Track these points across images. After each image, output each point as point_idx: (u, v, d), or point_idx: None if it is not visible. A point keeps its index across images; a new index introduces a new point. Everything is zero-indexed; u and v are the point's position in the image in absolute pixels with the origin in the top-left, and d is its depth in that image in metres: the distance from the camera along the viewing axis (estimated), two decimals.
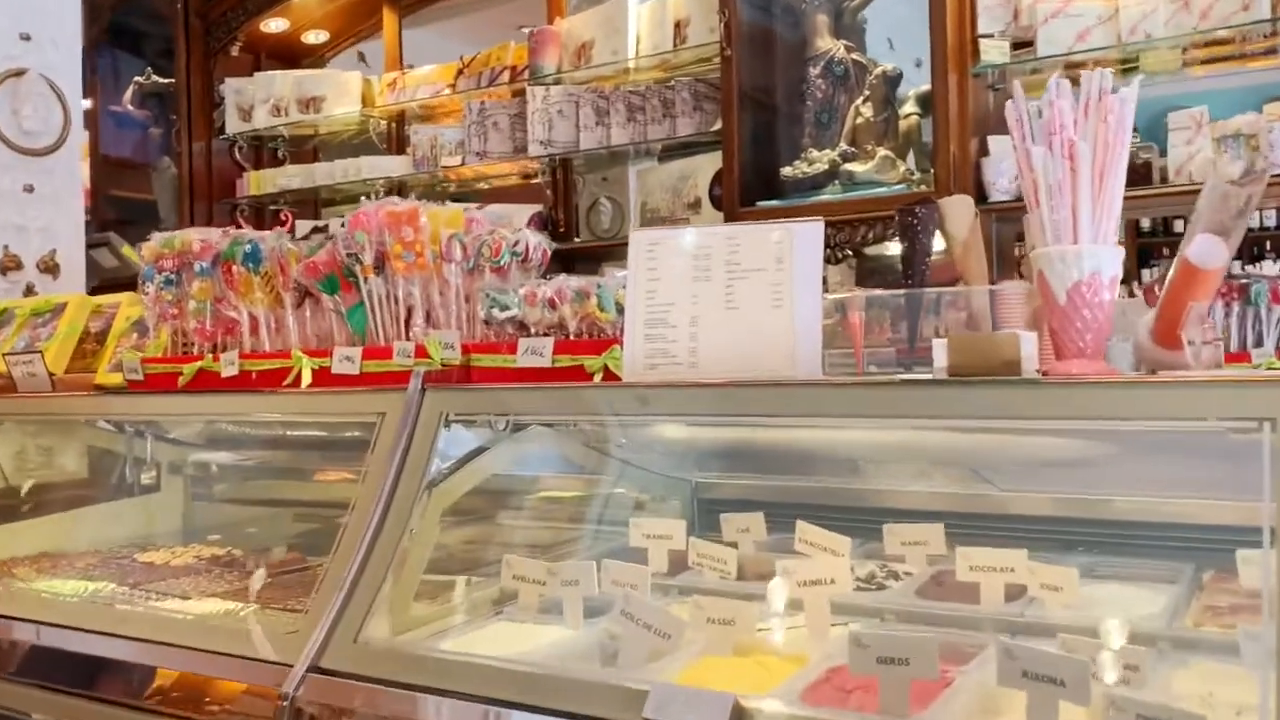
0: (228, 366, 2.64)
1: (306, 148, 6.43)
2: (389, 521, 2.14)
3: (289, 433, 3.44)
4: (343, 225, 2.51)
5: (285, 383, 2.58)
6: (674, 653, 1.98)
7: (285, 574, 3.06)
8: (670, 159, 5.08)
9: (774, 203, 4.32)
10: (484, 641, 2.20)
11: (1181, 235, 1.78)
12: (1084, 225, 1.69)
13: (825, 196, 4.20)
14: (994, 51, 3.96)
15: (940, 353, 1.72)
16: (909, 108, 4.42)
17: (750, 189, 4.44)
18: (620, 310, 2.12)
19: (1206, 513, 2.43)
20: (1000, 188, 4.02)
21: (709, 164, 4.74)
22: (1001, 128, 4.37)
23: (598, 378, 2.15)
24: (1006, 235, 4.22)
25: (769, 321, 2.05)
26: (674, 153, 5.07)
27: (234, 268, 2.68)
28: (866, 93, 4.33)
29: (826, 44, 4.40)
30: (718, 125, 4.66)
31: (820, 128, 4.40)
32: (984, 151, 4.16)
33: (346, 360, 2.49)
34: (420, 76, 5.74)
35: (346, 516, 2.22)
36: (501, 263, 2.41)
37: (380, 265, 2.49)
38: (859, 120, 4.32)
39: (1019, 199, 4.21)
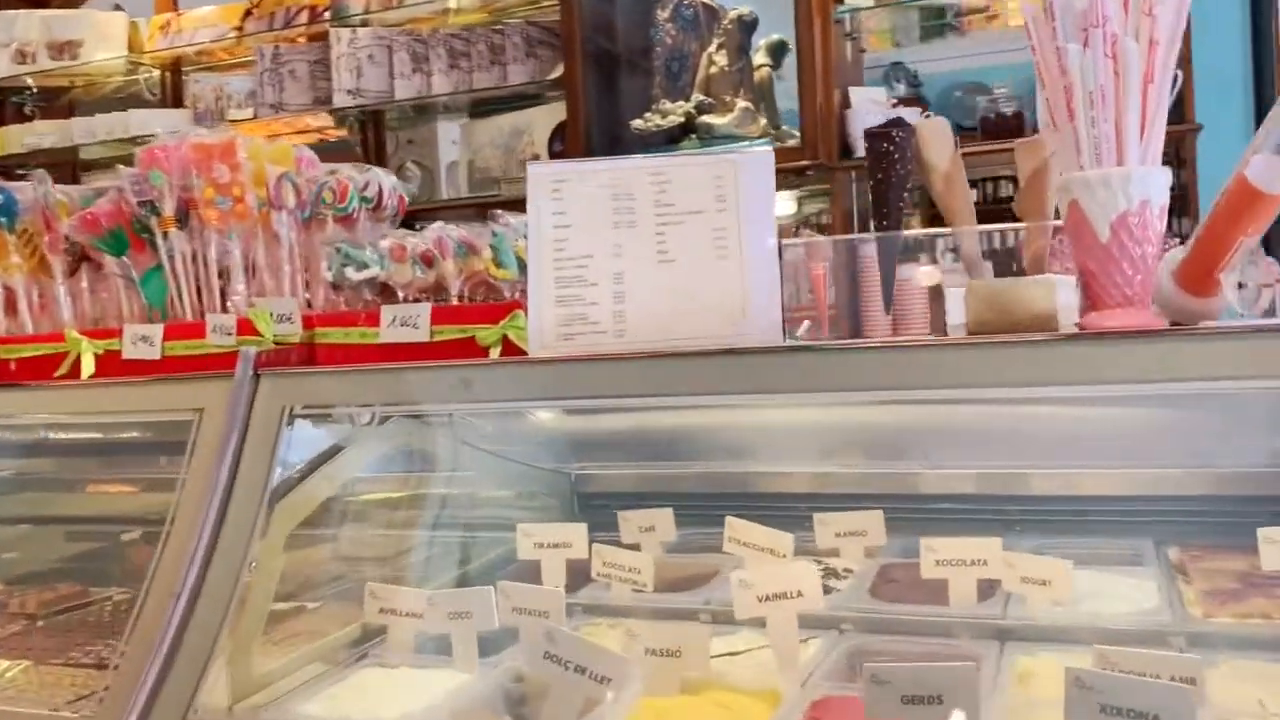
0: None
1: (61, 102, 5.51)
2: (222, 548, 1.60)
3: (55, 435, 2.77)
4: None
5: (58, 374, 1.96)
6: (608, 699, 1.55)
7: (63, 612, 2.43)
8: (494, 112, 4.58)
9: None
10: (353, 698, 1.70)
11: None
12: (1130, 143, 1.36)
13: (683, 151, 3.82)
14: None
15: (957, 305, 1.36)
16: (760, 58, 4.10)
17: (595, 144, 4.01)
18: (524, 267, 1.65)
19: (1157, 483, 2.22)
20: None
21: (546, 116, 4.28)
22: (858, 80, 4.13)
23: (495, 352, 1.68)
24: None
25: (713, 275, 1.64)
26: (497, 105, 4.57)
27: None
28: (720, 40, 3.97)
29: None
30: (555, 73, 4.21)
31: (670, 78, 4.02)
32: (846, 104, 3.89)
33: (142, 341, 1.90)
34: (199, 18, 4.98)
35: (160, 544, 1.67)
36: (349, 210, 1.89)
37: (185, 216, 1.91)
38: (712, 69, 3.96)
39: None
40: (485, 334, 1.67)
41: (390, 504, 2.29)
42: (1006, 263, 1.60)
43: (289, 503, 1.70)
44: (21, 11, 5.19)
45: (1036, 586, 1.80)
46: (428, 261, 1.73)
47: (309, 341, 1.81)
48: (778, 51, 4.10)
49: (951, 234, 1.58)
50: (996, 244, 1.66)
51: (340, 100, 4.51)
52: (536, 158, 4.28)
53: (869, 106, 3.83)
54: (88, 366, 1.93)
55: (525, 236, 1.70)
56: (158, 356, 1.89)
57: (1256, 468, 2.13)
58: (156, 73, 5.23)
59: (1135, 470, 2.23)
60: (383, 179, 1.92)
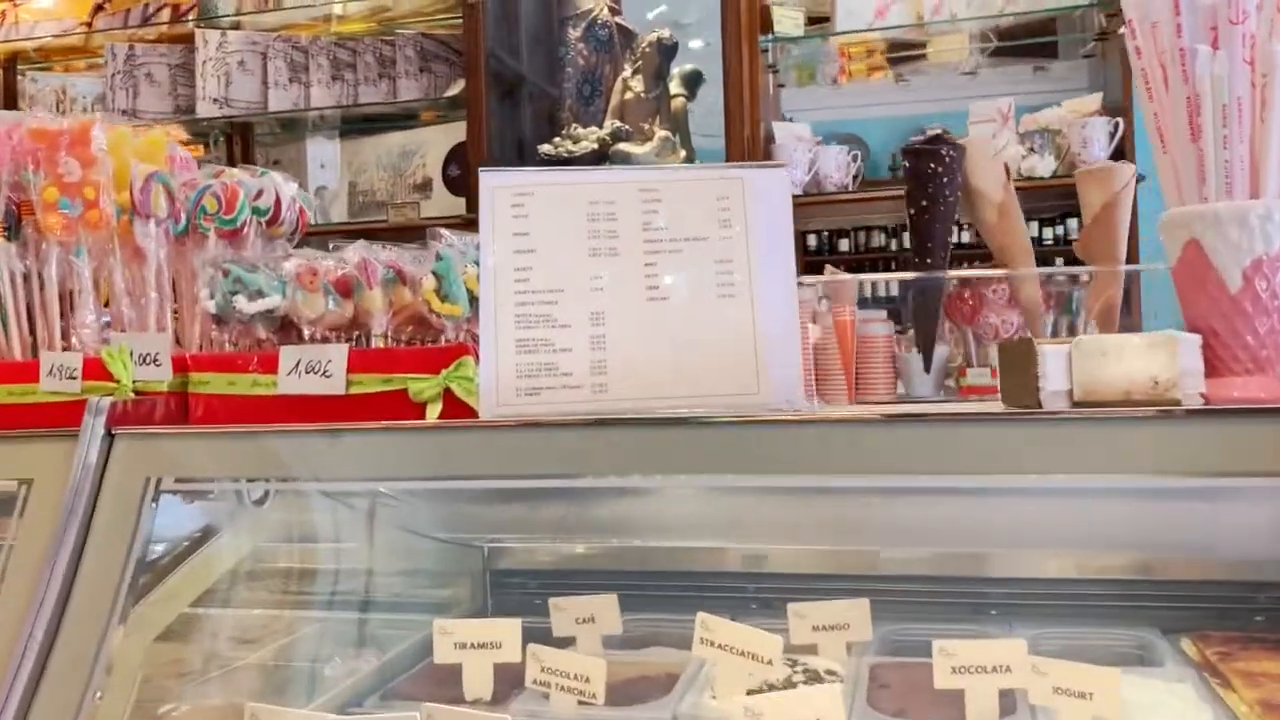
0: None
1: None
2: (54, 672, 1.16)
3: None
4: None
5: None
6: None
7: None
8: (376, 131, 4.16)
9: None
10: None
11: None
12: (1272, 171, 1.09)
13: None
14: (788, 22, 3.44)
15: (1058, 369, 1.06)
16: (674, 88, 3.82)
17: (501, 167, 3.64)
18: (475, 302, 1.28)
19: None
20: (793, 179, 3.52)
21: (440, 137, 3.88)
22: (779, 114, 3.90)
23: (433, 411, 1.30)
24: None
25: (717, 319, 1.30)
26: (380, 123, 4.16)
27: None
28: (635, 64, 3.67)
29: (587, 1, 3.71)
30: (452, 90, 3.82)
31: (582, 101, 3.69)
32: (770, 139, 3.64)
33: None
34: (41, 10, 4.39)
35: None
36: (237, 223, 1.48)
37: (15, 222, 1.47)
38: (628, 95, 3.65)
39: (809, 194, 3.76)
40: (421, 386, 1.29)
41: (274, 594, 1.86)
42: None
43: (148, 609, 1.27)
44: None
45: (1075, 700, 1.51)
46: (344, 291, 1.34)
47: (180, 390, 1.39)
48: (693, 81, 3.83)
49: (1007, 276, 1.30)
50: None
51: (205, 110, 4.01)
52: (429, 182, 3.88)
53: (794, 143, 3.59)
54: None
55: (476, 263, 1.34)
56: None
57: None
58: None
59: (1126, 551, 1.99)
60: (281, 186, 1.52)
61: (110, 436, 1.25)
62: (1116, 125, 3.06)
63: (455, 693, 1.70)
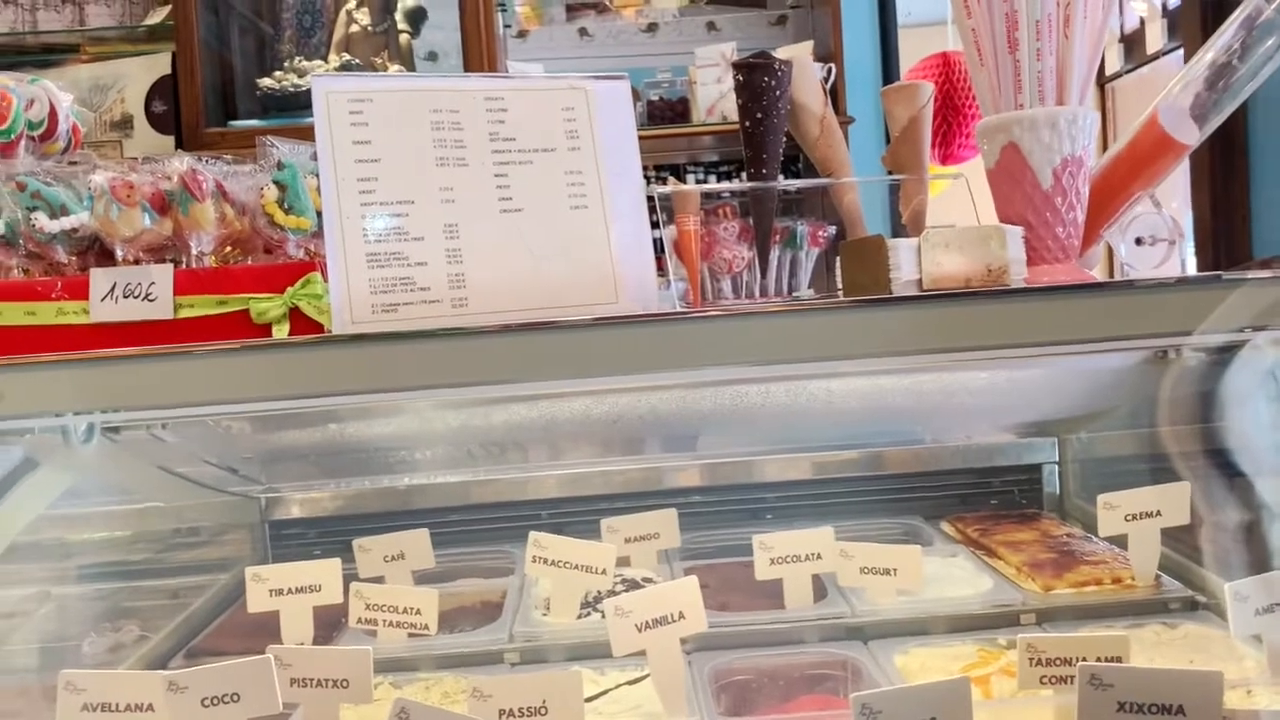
0: None
1: None
2: None
3: None
4: None
5: None
6: None
7: None
8: (56, 63, 3.71)
9: (255, 122, 3.31)
10: None
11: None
12: (1074, 82, 1.24)
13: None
14: None
15: (909, 260, 1.16)
16: (400, 23, 3.70)
17: (209, 104, 3.37)
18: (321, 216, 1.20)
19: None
20: None
21: (140, 70, 3.52)
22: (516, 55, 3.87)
23: (280, 332, 1.21)
24: None
25: (571, 228, 1.30)
26: (60, 54, 3.71)
27: None
28: None
29: None
30: (151, 19, 3.48)
31: (303, 33, 3.48)
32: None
33: None
34: None
35: None
36: (11, 135, 1.29)
37: None
38: (353, 28, 3.49)
39: None
40: (265, 305, 1.19)
41: (39, 560, 1.65)
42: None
43: None
44: None
45: (881, 577, 1.66)
46: (160, 207, 1.21)
47: None
48: (416, 18, 3.73)
49: (830, 184, 1.39)
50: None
51: None
52: (129, 119, 3.51)
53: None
54: None
55: (315, 174, 1.25)
56: None
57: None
58: None
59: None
60: (56, 95, 1.34)
61: None
62: (830, 70, 3.28)
63: (272, 642, 1.61)
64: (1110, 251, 1.37)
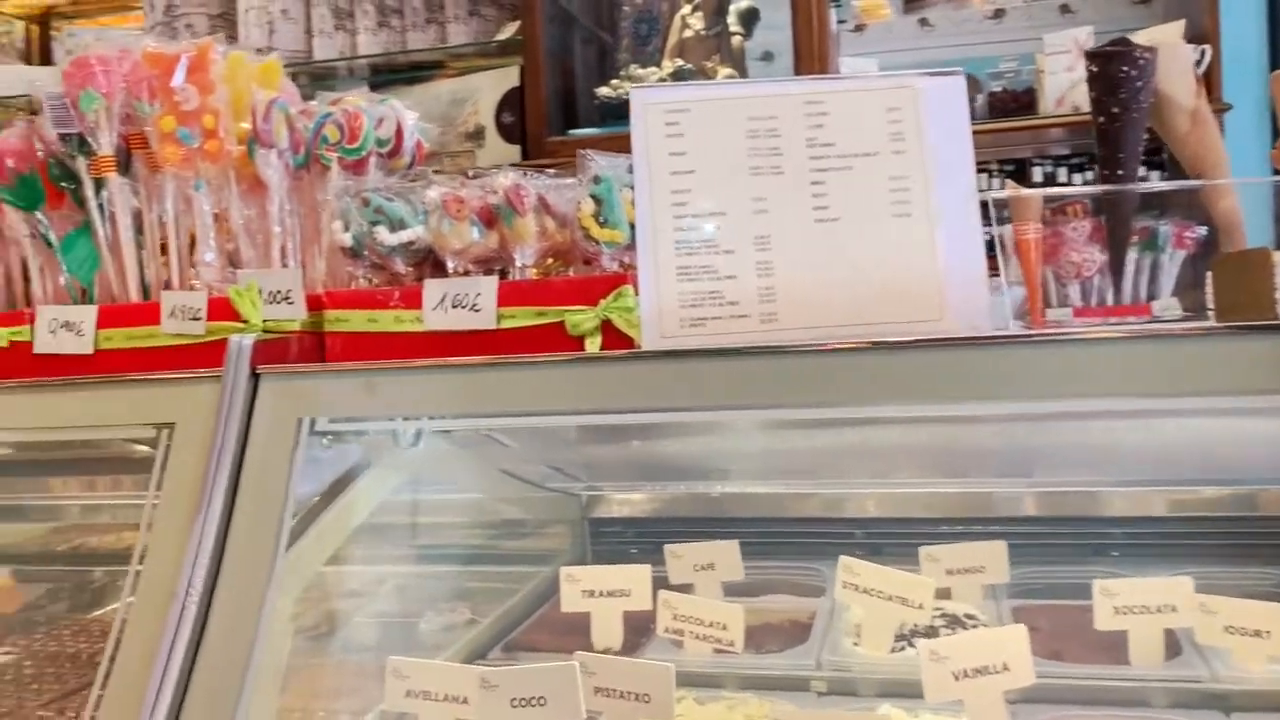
0: None
1: None
2: (218, 625, 1.09)
3: None
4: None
5: None
6: None
7: None
8: (422, 79, 4.04)
9: (593, 130, 3.45)
10: None
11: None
12: None
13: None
14: None
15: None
16: (732, 25, 3.71)
17: (552, 114, 3.54)
18: (634, 228, 1.19)
19: None
20: None
21: (491, 84, 3.77)
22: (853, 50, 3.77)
23: (593, 345, 1.22)
24: None
25: (894, 241, 1.21)
26: (422, 72, 4.03)
27: None
28: (695, 1, 3.56)
29: None
30: (503, 34, 3.71)
31: (639, 41, 3.58)
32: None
33: (65, 329, 1.37)
34: None
35: (120, 604, 1.15)
36: (361, 152, 1.39)
37: (127, 157, 1.39)
38: (687, 33, 3.54)
39: None
40: (579, 318, 1.21)
41: (382, 546, 1.79)
42: None
43: (300, 551, 1.20)
44: None
45: (1249, 639, 1.44)
46: (488, 220, 1.25)
47: (314, 329, 1.31)
48: (749, 19, 3.72)
49: (1202, 187, 1.21)
50: None
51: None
52: (481, 130, 3.77)
53: None
54: None
55: (630, 187, 1.25)
56: (88, 350, 1.36)
57: None
58: (21, 26, 4.49)
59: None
60: (402, 114, 1.43)
61: (255, 376, 1.17)
62: (1204, 53, 2.92)
63: (582, 642, 1.64)
64: None
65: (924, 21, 4.11)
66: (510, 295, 1.24)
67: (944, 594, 1.71)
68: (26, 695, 1.74)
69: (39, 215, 1.43)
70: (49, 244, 1.43)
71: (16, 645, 1.99)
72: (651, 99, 1.25)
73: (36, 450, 1.66)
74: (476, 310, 1.24)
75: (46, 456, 1.83)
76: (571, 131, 3.49)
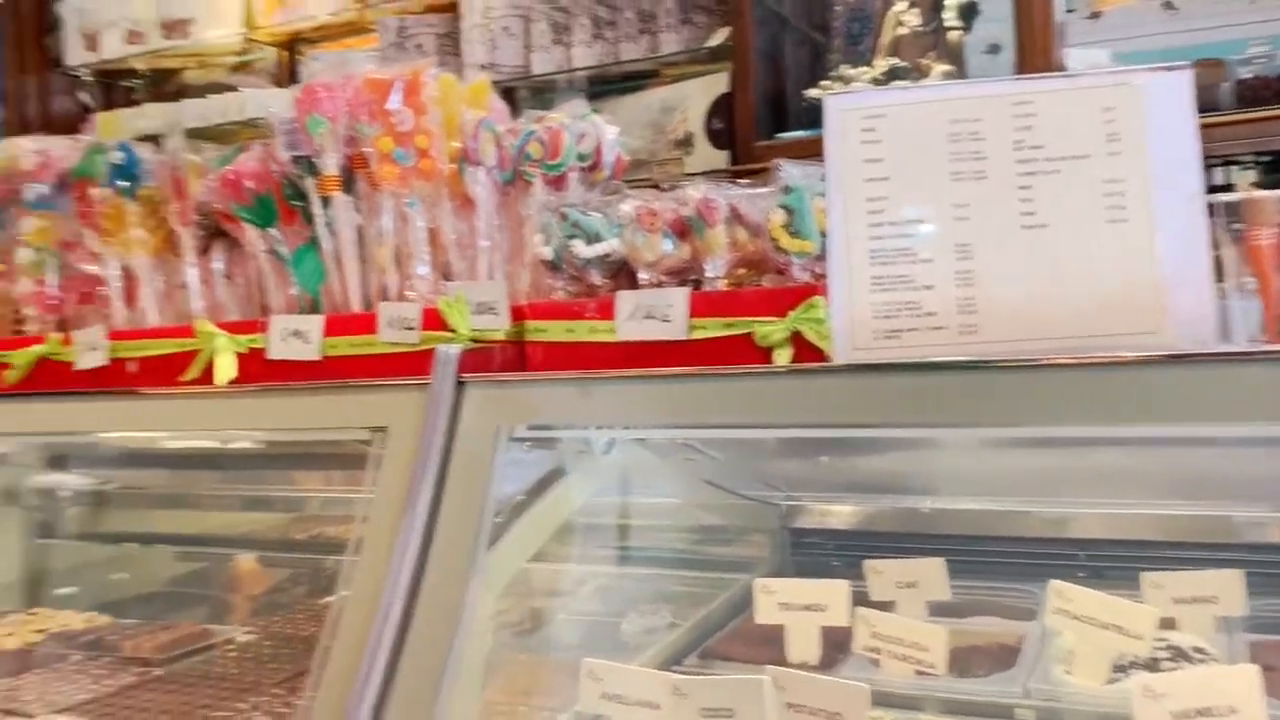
0: (88, 353, 1.58)
1: (171, 85, 5.21)
2: (423, 618, 1.15)
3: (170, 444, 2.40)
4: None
5: (187, 376, 1.55)
6: None
7: (179, 658, 2.04)
8: (633, 89, 4.11)
9: (801, 133, 3.41)
10: None
11: None
12: None
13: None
14: None
15: None
16: (949, 20, 3.58)
17: (762, 118, 3.53)
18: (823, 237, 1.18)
19: None
20: None
21: (700, 91, 3.80)
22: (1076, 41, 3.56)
23: (781, 357, 1.21)
24: None
25: (1108, 249, 1.14)
26: (632, 81, 4.09)
27: (95, 191, 1.62)
28: None
29: None
30: (713, 40, 3.73)
31: (850, 40, 3.51)
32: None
33: (295, 337, 1.48)
34: None
35: (337, 595, 1.23)
36: (562, 168, 1.43)
37: (350, 176, 1.48)
38: (901, 30, 3.45)
39: None
40: (768, 329, 1.20)
41: (584, 546, 1.84)
42: None
43: (495, 557, 1.25)
44: None
45: None
46: (680, 232, 1.26)
47: (516, 339, 1.36)
48: (968, 12, 3.58)
49: None
50: None
51: (471, 77, 4.09)
52: (690, 137, 3.81)
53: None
54: (225, 369, 1.51)
55: (821, 195, 1.23)
56: (315, 356, 1.46)
57: None
58: (272, 51, 4.88)
59: None
60: (602, 129, 1.46)
61: (460, 385, 1.23)
62: None
63: (777, 655, 1.63)
64: None
65: (1168, 4, 3.83)
66: (700, 306, 1.25)
67: (1169, 623, 1.60)
68: (264, 673, 1.89)
69: (273, 231, 1.55)
70: (281, 258, 1.54)
71: (257, 626, 2.16)
72: (846, 105, 1.22)
73: (278, 446, 1.80)
74: (668, 321, 1.25)
75: (284, 452, 1.99)
76: (780, 135, 3.47)
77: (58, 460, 2.64)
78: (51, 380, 1.65)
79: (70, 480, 2.68)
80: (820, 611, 1.62)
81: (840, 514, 2.15)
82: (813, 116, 3.57)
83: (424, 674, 1.15)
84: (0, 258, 1.81)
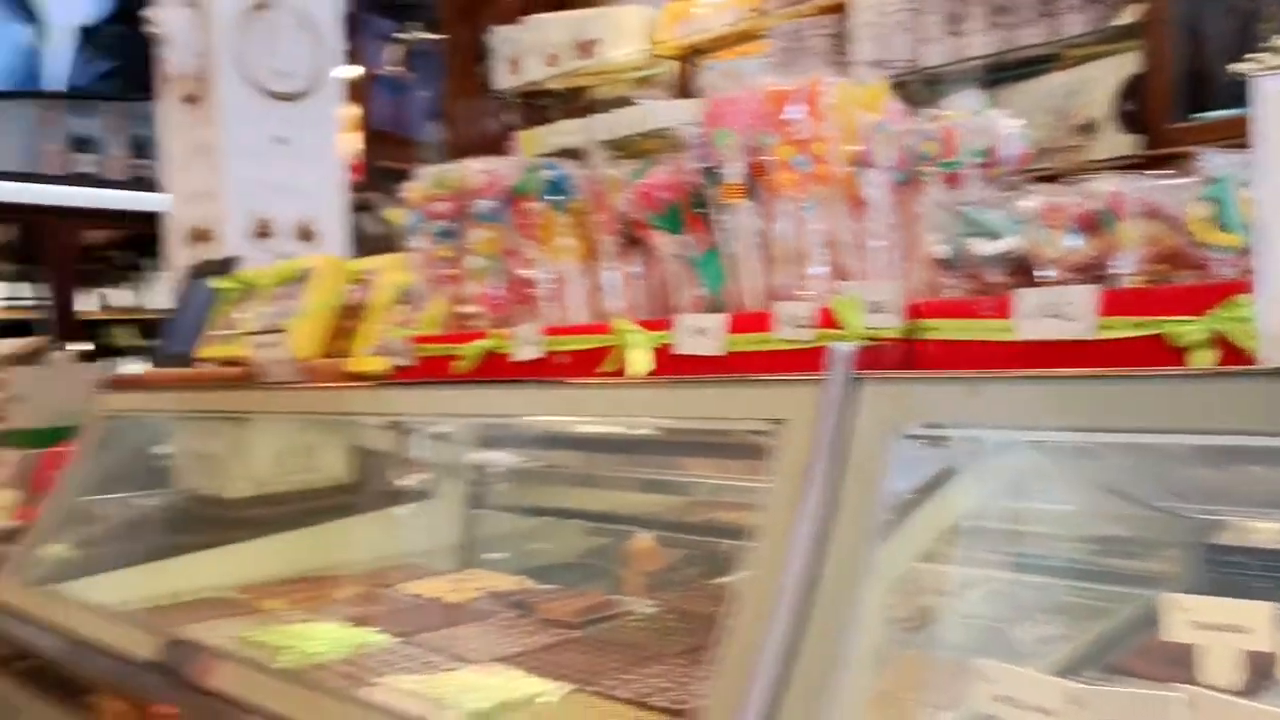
0: (524, 347, 1.80)
1: (579, 103, 5.68)
2: (820, 608, 1.22)
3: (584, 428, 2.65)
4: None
5: (603, 369, 1.72)
6: None
7: (592, 623, 2.26)
8: (1029, 75, 3.91)
9: (1222, 113, 3.11)
10: None
11: None
12: None
13: None
14: None
15: None
16: None
17: (1180, 97, 3.25)
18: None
19: None
20: None
21: (1107, 72, 3.56)
22: None
23: (1199, 359, 1.14)
24: None
25: None
26: (1029, 67, 3.89)
27: (532, 205, 1.84)
28: None
29: None
30: (1122, 18, 3.49)
31: None
32: None
33: (699, 334, 1.60)
34: (713, 3, 4.83)
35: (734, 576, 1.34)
36: (958, 165, 1.44)
37: (750, 183, 1.58)
38: None
39: None
40: (1183, 329, 1.14)
41: (971, 548, 1.82)
42: None
43: (890, 547, 1.29)
44: (552, 15, 5.38)
45: None
46: (1088, 227, 1.23)
47: (908, 337, 1.39)
48: None
49: None
50: None
51: (859, 74, 4.11)
52: (1092, 123, 3.58)
53: None
54: (639, 363, 1.66)
55: (1246, 184, 1.15)
56: (718, 351, 1.57)
57: None
58: (671, 64, 5.18)
59: None
60: (999, 123, 1.45)
61: (856, 380, 1.28)
62: None
63: (1185, 676, 1.53)
64: None
65: None
66: (1109, 304, 1.21)
67: None
68: (666, 644, 2.06)
69: (682, 237, 1.68)
70: (688, 261, 1.67)
71: (660, 599, 2.35)
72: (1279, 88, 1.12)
73: (675, 434, 1.94)
74: (1071, 320, 1.22)
75: (680, 440, 2.14)
76: (1196, 115, 3.18)
77: (489, 440, 3.00)
78: (493, 370, 1.90)
79: (499, 457, 3.05)
80: (1240, 634, 1.51)
81: (1266, 531, 1.97)
82: (1237, 94, 3.23)
83: (820, 657, 1.21)
84: (452, 264, 2.09)
